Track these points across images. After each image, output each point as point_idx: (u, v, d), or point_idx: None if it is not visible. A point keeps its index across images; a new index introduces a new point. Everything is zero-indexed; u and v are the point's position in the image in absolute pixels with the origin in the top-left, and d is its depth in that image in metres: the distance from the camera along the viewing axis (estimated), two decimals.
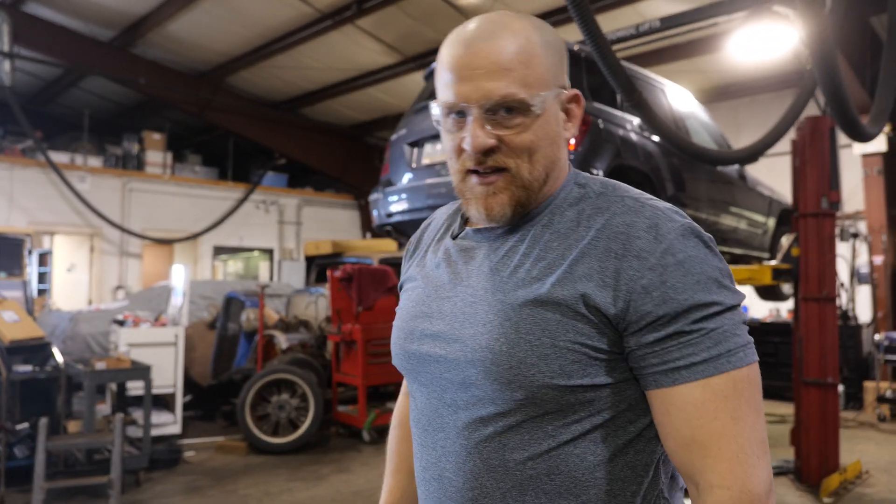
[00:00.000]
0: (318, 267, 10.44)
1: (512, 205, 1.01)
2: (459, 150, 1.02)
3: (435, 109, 1.05)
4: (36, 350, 5.51)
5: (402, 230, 5.19)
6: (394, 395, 7.86)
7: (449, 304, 1.06)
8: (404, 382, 1.37)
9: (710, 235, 0.98)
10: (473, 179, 1.02)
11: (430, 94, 5.18)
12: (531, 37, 1.00)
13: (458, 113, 1.01)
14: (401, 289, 1.25)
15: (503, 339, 0.96)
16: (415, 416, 1.12)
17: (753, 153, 4.97)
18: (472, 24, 1.02)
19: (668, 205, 1.01)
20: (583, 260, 0.96)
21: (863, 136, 4.47)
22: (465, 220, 1.16)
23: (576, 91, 1.07)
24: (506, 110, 0.98)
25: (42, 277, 10.50)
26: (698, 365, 0.91)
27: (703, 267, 0.93)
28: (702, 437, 0.90)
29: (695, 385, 0.91)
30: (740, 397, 0.91)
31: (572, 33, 8.94)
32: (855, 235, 6.85)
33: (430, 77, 5.41)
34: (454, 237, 1.14)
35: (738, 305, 0.95)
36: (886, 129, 8.87)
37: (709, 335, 0.91)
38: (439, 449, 1.04)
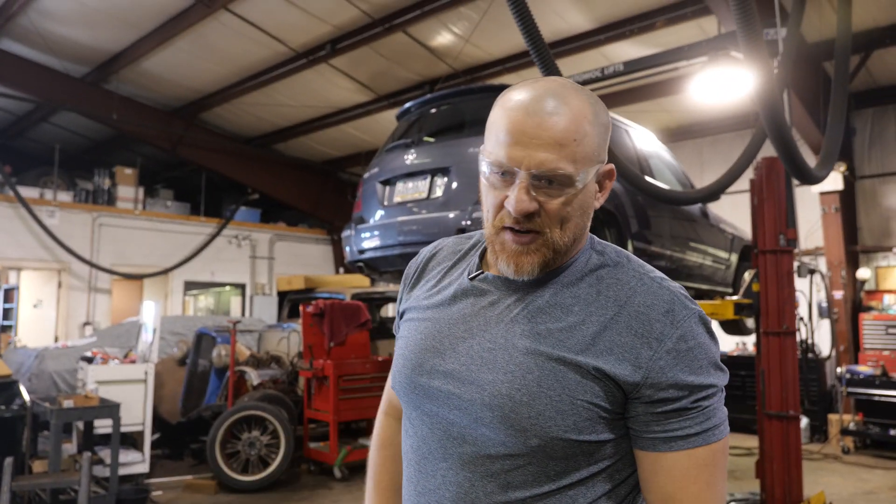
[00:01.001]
0: (291, 302, 10.43)
1: (541, 265, 1.10)
2: (499, 207, 1.09)
3: (484, 164, 1.11)
4: (2, 388, 5.45)
5: (374, 266, 5.27)
6: (365, 432, 7.84)
7: (464, 346, 1.13)
8: (383, 401, 1.44)
9: (710, 320, 1.11)
10: (507, 236, 1.10)
11: (402, 134, 5.32)
12: (587, 114, 1.08)
13: (503, 174, 1.08)
14: (401, 316, 1.31)
15: (524, 390, 1.05)
16: (413, 444, 1.18)
17: (712, 193, 5.15)
18: (534, 92, 1.08)
19: (679, 287, 1.12)
20: (605, 333, 1.06)
21: (810, 178, 4.66)
22: (481, 261, 1.23)
23: (611, 166, 1.16)
24: (549, 181, 1.06)
25: (7, 314, 10.35)
26: (691, 437, 1.05)
27: (708, 353, 1.07)
28: (680, 497, 1.05)
29: (683, 453, 1.05)
30: (716, 466, 1.06)
31: (534, 76, 9.23)
32: (812, 272, 7.05)
33: (402, 116, 5.55)
34: (471, 277, 1.20)
35: (724, 385, 1.10)
36: (842, 168, 9.22)
37: (703, 412, 1.05)
38: (439, 477, 1.11)
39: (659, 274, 1.14)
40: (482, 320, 1.14)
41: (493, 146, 1.09)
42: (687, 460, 1.05)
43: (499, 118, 1.09)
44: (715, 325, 7.13)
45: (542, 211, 1.07)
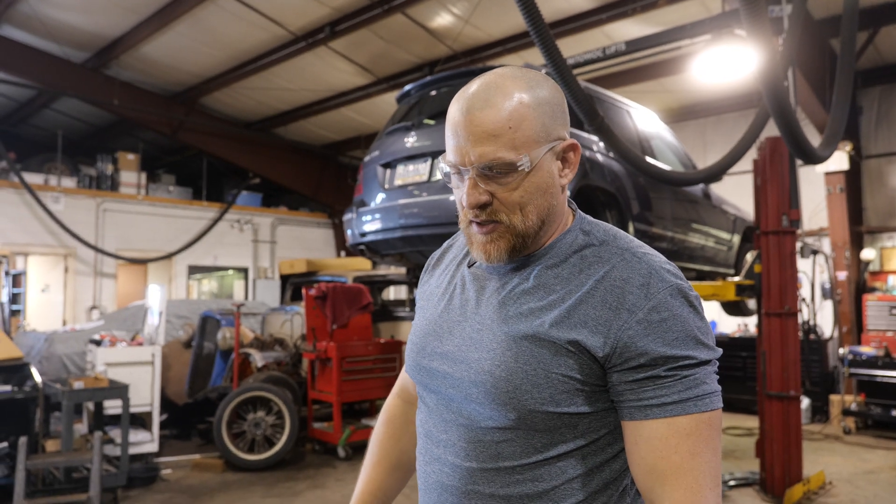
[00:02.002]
0: (293, 285, 10.53)
1: (507, 250, 1.15)
2: (462, 204, 1.17)
3: (442, 166, 1.19)
4: (14, 370, 5.56)
5: (375, 249, 5.34)
6: (368, 412, 7.96)
7: (459, 329, 1.22)
8: (397, 384, 1.55)
9: (696, 294, 1.12)
10: (474, 228, 1.17)
11: (402, 117, 5.36)
12: (523, 98, 1.11)
13: (458, 171, 1.16)
14: (417, 304, 1.41)
15: (503, 366, 1.11)
16: (423, 418, 1.29)
17: (714, 174, 5.17)
18: (470, 89, 1.14)
19: (664, 261, 1.14)
20: (580, 307, 1.10)
21: (813, 158, 4.69)
22: None
23: (572, 141, 1.19)
24: (494, 171, 1.11)
25: (16, 298, 10.46)
26: (668, 405, 1.05)
27: (684, 326, 1.07)
28: (662, 467, 1.05)
29: (662, 422, 1.05)
30: (700, 436, 1.05)
31: (535, 57, 9.22)
32: (815, 252, 7.09)
33: (402, 99, 5.59)
34: (470, 266, 1.29)
35: (712, 360, 1.09)
36: (848, 147, 9.21)
37: (681, 381, 1.05)
38: (442, 447, 1.21)
39: (645, 249, 1.16)
40: (475, 304, 1.22)
41: (447, 149, 1.17)
42: (666, 429, 1.05)
43: (448, 118, 1.16)
44: (716, 306, 7.28)
45: (495, 200, 1.13)
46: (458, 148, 1.13)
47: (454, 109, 1.15)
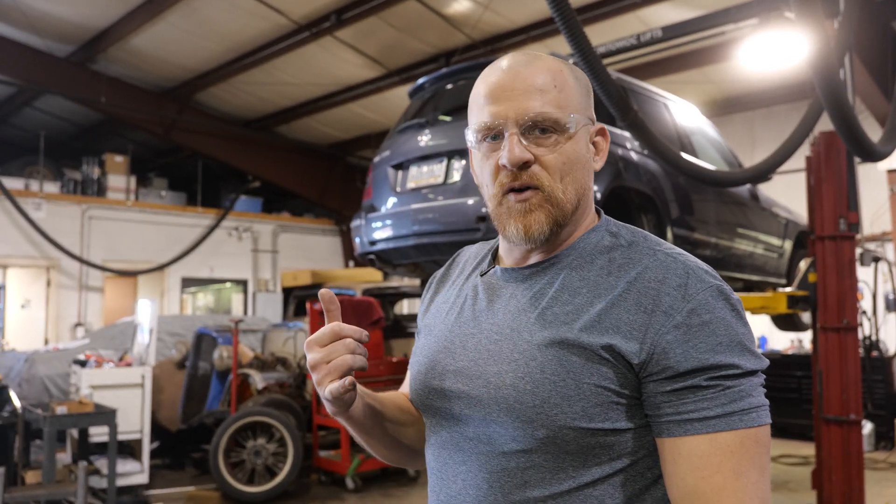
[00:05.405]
0: (297, 299, 10.57)
1: (549, 223, 1.15)
2: (496, 172, 1.17)
3: (470, 136, 1.21)
4: None
5: (387, 259, 5.34)
6: None
7: (473, 341, 1.19)
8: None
9: (738, 298, 1.10)
10: (511, 198, 1.16)
11: (415, 113, 5.38)
12: (563, 70, 1.19)
13: (493, 137, 1.17)
14: (421, 326, 1.39)
15: (528, 378, 1.09)
16: (434, 453, 1.25)
17: (762, 173, 5.13)
18: (506, 57, 1.21)
19: (700, 262, 1.14)
20: (612, 310, 1.09)
21: (872, 154, 4.64)
22: (493, 259, 1.31)
23: (602, 125, 1.25)
24: (540, 130, 1.14)
25: None
26: (710, 419, 1.03)
27: (727, 330, 1.05)
28: (703, 489, 1.02)
29: (703, 438, 1.03)
30: (745, 455, 1.03)
31: (561, 45, 9.20)
32: (877, 259, 7.01)
33: (415, 93, 5.61)
34: (482, 274, 1.28)
35: (758, 371, 1.07)
36: None
37: (724, 392, 1.03)
38: (459, 482, 1.17)
39: (677, 249, 1.16)
40: (490, 314, 1.21)
41: (475, 115, 1.20)
42: (708, 446, 1.03)
43: (477, 90, 1.21)
44: (766, 320, 7.21)
45: (535, 165, 1.15)
46: (498, 105, 1.16)
47: (487, 75, 1.20)
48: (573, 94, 1.18)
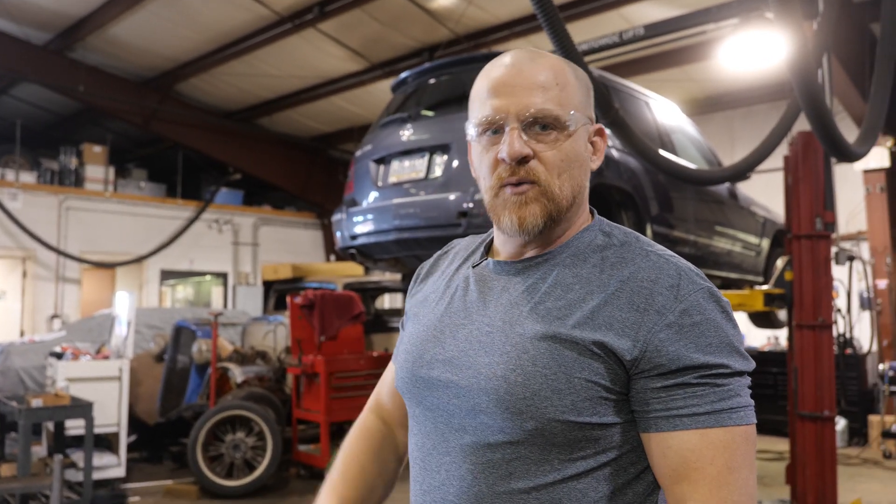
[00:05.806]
0: (277, 293, 10.54)
1: (544, 216, 1.17)
2: (495, 165, 1.19)
3: (470, 129, 1.23)
4: None
5: (368, 253, 5.35)
6: None
7: (463, 332, 1.20)
8: (370, 400, 1.50)
9: (727, 300, 1.13)
10: (507, 191, 1.18)
11: (398, 108, 5.38)
12: (565, 68, 1.22)
13: (493, 131, 1.19)
14: (407, 314, 1.40)
15: (519, 370, 1.10)
16: (417, 442, 1.26)
17: (741, 171, 5.19)
18: (509, 53, 1.24)
19: (690, 265, 1.16)
20: (605, 308, 1.11)
21: (848, 155, 4.70)
22: (487, 252, 1.33)
23: (601, 125, 1.27)
24: (541, 126, 1.17)
25: None
26: (700, 416, 1.05)
27: (718, 331, 1.08)
28: (697, 478, 1.05)
29: (693, 433, 1.05)
30: (736, 451, 1.05)
31: (543, 42, 9.23)
32: (852, 258, 7.10)
33: (397, 87, 5.61)
34: (474, 266, 1.30)
35: (746, 372, 1.10)
36: (889, 143, 9.22)
37: (714, 391, 1.05)
38: (443, 473, 1.18)
39: (668, 252, 1.18)
40: (481, 305, 1.22)
41: (477, 109, 1.22)
42: (699, 440, 1.05)
43: (479, 85, 1.24)
44: (743, 317, 7.29)
45: (534, 160, 1.17)
46: (500, 100, 1.18)
47: (492, 70, 1.22)
48: (574, 93, 1.21)
